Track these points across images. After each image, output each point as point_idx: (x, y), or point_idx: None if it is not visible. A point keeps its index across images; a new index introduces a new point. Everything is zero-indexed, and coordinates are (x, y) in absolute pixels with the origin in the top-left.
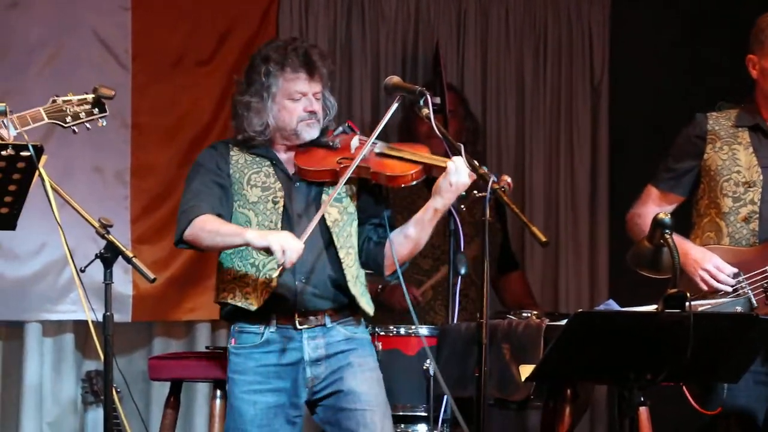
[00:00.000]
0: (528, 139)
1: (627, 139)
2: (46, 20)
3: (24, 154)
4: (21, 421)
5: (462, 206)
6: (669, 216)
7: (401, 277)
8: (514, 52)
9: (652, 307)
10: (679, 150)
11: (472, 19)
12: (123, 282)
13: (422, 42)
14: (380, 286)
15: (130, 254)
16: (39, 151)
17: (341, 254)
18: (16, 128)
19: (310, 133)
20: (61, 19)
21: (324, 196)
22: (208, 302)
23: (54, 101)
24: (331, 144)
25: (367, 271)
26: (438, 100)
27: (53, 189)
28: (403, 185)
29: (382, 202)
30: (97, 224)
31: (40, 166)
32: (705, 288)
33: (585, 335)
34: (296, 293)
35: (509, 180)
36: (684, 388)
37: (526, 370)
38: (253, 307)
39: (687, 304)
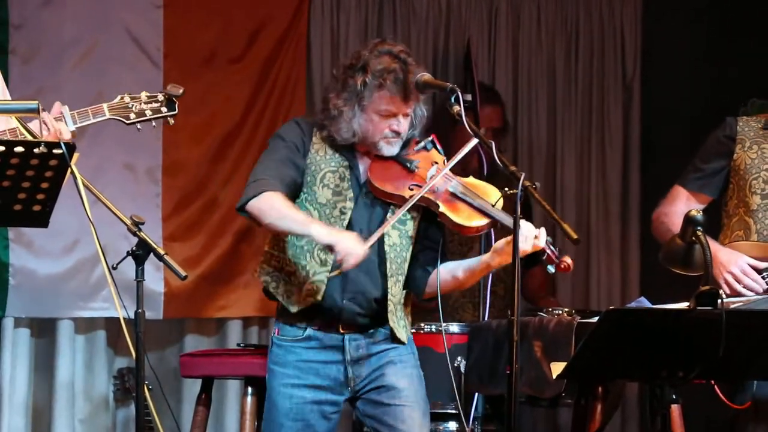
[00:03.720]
0: (559, 137)
1: (659, 136)
2: (79, 18)
3: (56, 151)
4: (53, 418)
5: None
6: (701, 213)
7: (440, 305)
8: (546, 49)
9: (684, 305)
10: (707, 150)
11: (504, 16)
12: (155, 279)
13: (453, 40)
14: None
15: (161, 251)
16: (71, 148)
17: (390, 282)
18: (75, 122)
19: (390, 150)
20: (94, 16)
21: (389, 215)
22: (239, 299)
23: (122, 98)
24: (408, 165)
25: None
26: (469, 97)
27: (85, 187)
28: (465, 234)
29: (441, 230)
30: (128, 222)
31: (72, 163)
32: (728, 291)
33: (617, 333)
34: (341, 310)
35: (569, 261)
36: (715, 385)
37: (557, 368)
38: (293, 309)
39: (719, 301)
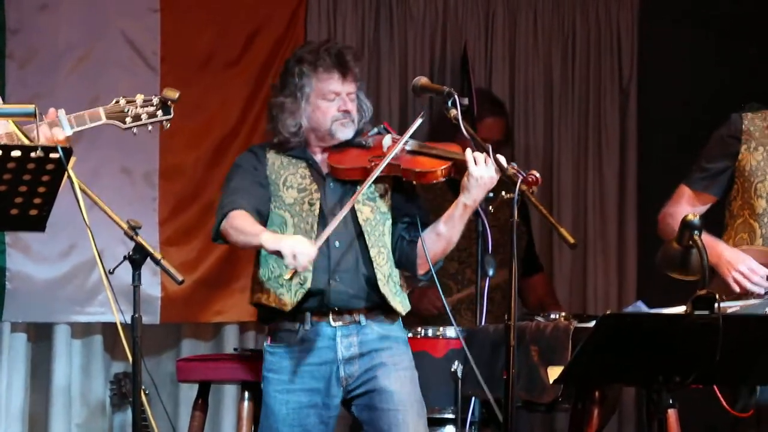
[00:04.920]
0: (556, 141)
1: (655, 140)
2: (75, 22)
3: (53, 155)
4: (50, 423)
5: (490, 208)
6: (698, 217)
7: (435, 276)
8: (542, 53)
9: (680, 309)
10: (712, 150)
11: (500, 20)
12: (151, 284)
13: (450, 43)
14: (408, 291)
15: (158, 256)
16: (68, 152)
17: (372, 253)
18: (72, 127)
19: (345, 132)
20: (91, 21)
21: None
22: (236, 304)
23: (117, 102)
24: (364, 143)
25: (404, 273)
26: (466, 101)
27: (82, 191)
28: (433, 181)
29: (415, 201)
30: (125, 226)
31: (69, 167)
32: (738, 290)
33: (613, 337)
34: (330, 292)
35: (537, 175)
36: (716, 389)
37: (554, 372)
38: (287, 308)
39: (716, 305)
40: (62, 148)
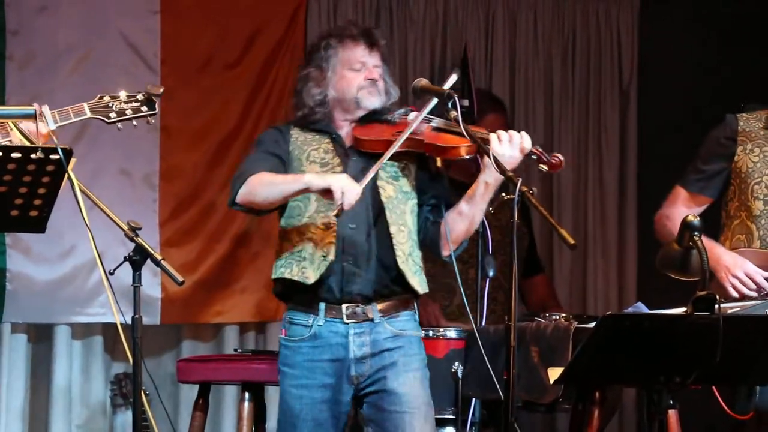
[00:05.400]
0: (556, 143)
1: (655, 142)
2: (75, 24)
3: (53, 157)
4: (50, 424)
5: (490, 208)
6: (698, 218)
7: (454, 261)
8: (543, 55)
9: (681, 310)
10: (708, 151)
11: (501, 22)
12: (151, 285)
13: (450, 45)
14: None
15: (158, 257)
16: (68, 154)
17: (392, 230)
18: (56, 121)
19: (371, 101)
20: (90, 22)
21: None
22: (236, 305)
23: (101, 97)
24: (390, 119)
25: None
26: (466, 102)
27: (82, 192)
28: (456, 158)
29: (441, 181)
30: (125, 227)
31: (69, 169)
32: (736, 295)
33: (614, 338)
34: (343, 274)
35: (561, 157)
36: (716, 392)
37: (554, 373)
38: (309, 281)
39: (716, 306)
40: (62, 150)
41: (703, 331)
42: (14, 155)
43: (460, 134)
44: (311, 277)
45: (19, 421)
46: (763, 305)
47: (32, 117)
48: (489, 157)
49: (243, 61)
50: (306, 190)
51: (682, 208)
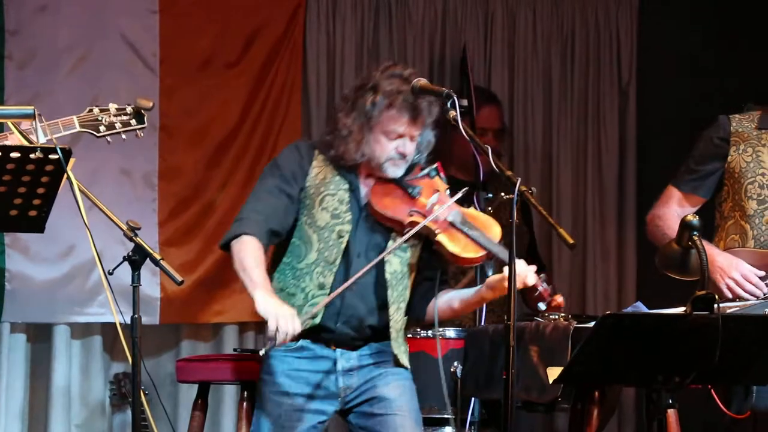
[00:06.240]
0: (555, 142)
1: (655, 141)
2: (74, 23)
3: (52, 157)
4: (49, 423)
5: (489, 208)
6: (697, 218)
7: (438, 338)
8: (542, 55)
9: (680, 310)
10: (701, 152)
11: (499, 22)
12: (151, 284)
13: (449, 45)
14: None
15: (157, 257)
16: (67, 154)
17: (392, 309)
18: (46, 135)
19: (395, 172)
20: (90, 22)
21: (390, 243)
22: (235, 304)
23: (90, 110)
24: (410, 190)
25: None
26: (465, 102)
27: (81, 192)
28: (460, 265)
29: (439, 257)
30: (125, 227)
31: (69, 169)
32: (730, 296)
33: (613, 337)
34: (335, 333)
35: (560, 300)
36: (712, 391)
37: (553, 372)
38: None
39: (715, 306)
40: (61, 149)
41: (702, 331)
42: (13, 155)
43: (474, 240)
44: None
45: (19, 420)
46: (762, 305)
47: (31, 117)
48: (498, 279)
49: (242, 60)
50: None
51: (675, 208)
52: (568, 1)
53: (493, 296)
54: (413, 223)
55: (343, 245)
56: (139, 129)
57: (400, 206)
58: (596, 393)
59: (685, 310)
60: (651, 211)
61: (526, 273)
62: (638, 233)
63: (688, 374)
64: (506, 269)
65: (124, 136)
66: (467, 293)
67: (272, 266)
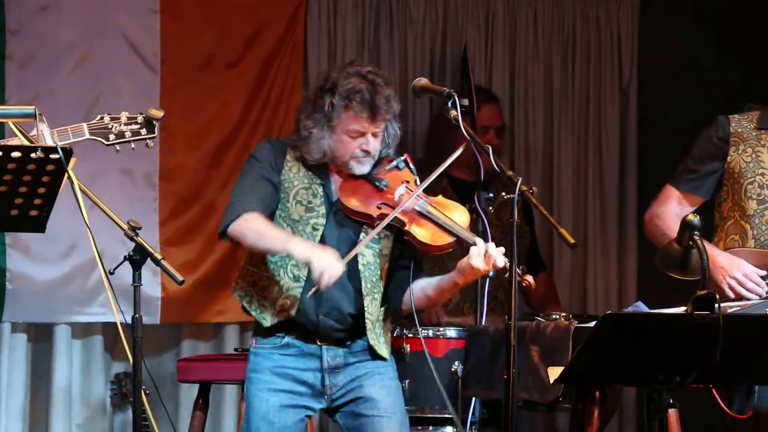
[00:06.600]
0: (556, 142)
1: (656, 141)
2: (75, 23)
3: (53, 156)
4: (50, 423)
5: (490, 208)
6: (698, 217)
7: (418, 326)
8: (543, 54)
9: (681, 309)
10: (701, 151)
11: (501, 21)
12: (152, 284)
13: (450, 45)
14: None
15: (158, 256)
16: (68, 153)
17: (366, 301)
18: (54, 142)
19: (361, 169)
20: (91, 21)
21: (362, 235)
22: (236, 304)
23: (101, 118)
24: (378, 183)
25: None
26: (466, 101)
27: (82, 191)
28: (431, 253)
29: (413, 251)
30: (125, 227)
31: (69, 168)
32: (732, 296)
33: (614, 337)
34: (317, 325)
35: (531, 280)
36: (714, 391)
37: (554, 372)
38: (267, 324)
39: (716, 305)
40: (62, 149)
41: (703, 331)
42: (14, 155)
43: (442, 226)
44: (269, 321)
45: (19, 420)
46: (763, 305)
47: (32, 117)
48: (467, 261)
49: (243, 60)
50: (288, 254)
51: (673, 207)
52: (569, 1)
53: (464, 281)
54: (382, 216)
55: (318, 238)
56: (149, 138)
57: (369, 200)
58: (597, 393)
59: (686, 310)
60: (649, 210)
61: (495, 255)
62: (639, 233)
63: (689, 374)
64: (472, 250)
65: (133, 146)
66: (441, 280)
67: (247, 259)
